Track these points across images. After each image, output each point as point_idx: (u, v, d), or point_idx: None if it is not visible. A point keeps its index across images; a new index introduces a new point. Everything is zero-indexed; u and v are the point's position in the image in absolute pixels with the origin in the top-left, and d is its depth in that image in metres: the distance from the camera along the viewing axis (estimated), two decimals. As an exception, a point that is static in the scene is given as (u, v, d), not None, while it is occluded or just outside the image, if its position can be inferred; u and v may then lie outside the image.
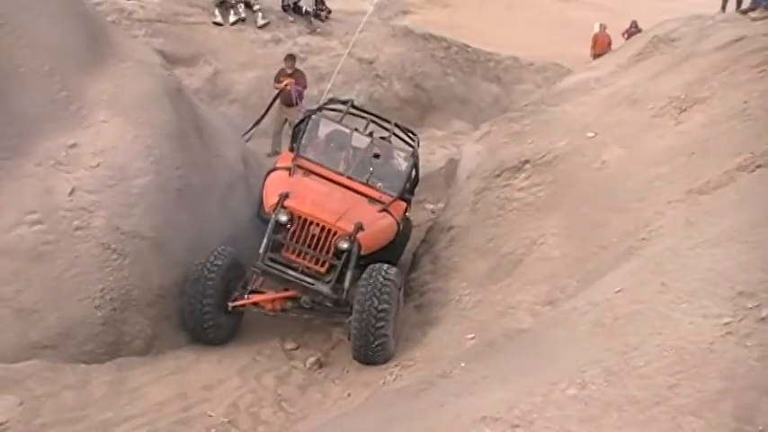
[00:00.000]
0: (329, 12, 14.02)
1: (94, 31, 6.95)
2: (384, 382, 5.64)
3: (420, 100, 14.20)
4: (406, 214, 7.71)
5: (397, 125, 8.38)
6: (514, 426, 3.11)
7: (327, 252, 6.39)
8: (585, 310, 4.13)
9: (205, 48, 11.73)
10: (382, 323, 5.96)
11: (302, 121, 7.88)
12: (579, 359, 3.51)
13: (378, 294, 5.99)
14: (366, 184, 7.21)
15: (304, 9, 13.46)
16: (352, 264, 6.31)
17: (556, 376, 3.41)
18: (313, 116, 7.81)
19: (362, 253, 6.42)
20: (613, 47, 14.59)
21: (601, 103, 8.39)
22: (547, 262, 6.23)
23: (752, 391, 2.82)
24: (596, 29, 16.32)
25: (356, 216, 6.50)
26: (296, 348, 6.59)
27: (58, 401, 4.92)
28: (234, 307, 6.40)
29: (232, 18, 12.43)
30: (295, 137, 7.87)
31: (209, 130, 7.77)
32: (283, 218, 6.36)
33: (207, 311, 6.17)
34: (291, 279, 6.30)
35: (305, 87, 10.75)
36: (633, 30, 15.47)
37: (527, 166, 7.67)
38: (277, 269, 6.31)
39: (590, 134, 7.57)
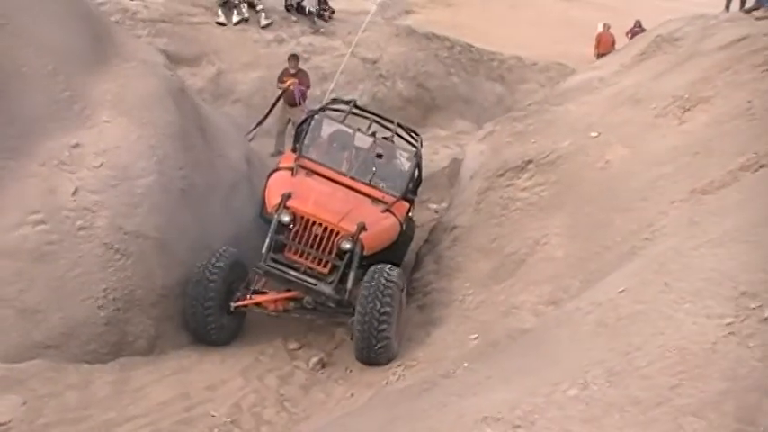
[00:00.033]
0: (332, 11, 14.03)
1: (98, 31, 6.96)
2: (387, 382, 5.64)
3: (423, 100, 14.19)
4: (410, 214, 7.67)
5: (399, 125, 8.34)
6: (516, 426, 3.11)
7: (330, 252, 6.38)
8: (588, 311, 4.12)
9: (208, 48, 11.74)
10: (385, 326, 5.95)
11: (305, 121, 7.85)
12: (582, 359, 3.50)
13: (380, 297, 5.97)
14: (369, 185, 7.18)
15: (307, 9, 13.46)
16: (354, 264, 6.30)
17: (558, 376, 3.41)
18: (316, 116, 7.79)
19: (365, 253, 6.39)
20: (617, 46, 14.59)
21: (604, 103, 8.37)
22: (550, 262, 6.22)
23: (754, 392, 2.82)
24: (600, 28, 16.35)
25: (359, 216, 6.48)
26: (299, 348, 6.59)
27: (62, 401, 4.93)
28: (236, 307, 6.40)
29: (235, 18, 12.43)
30: (298, 137, 7.84)
31: (212, 130, 7.77)
32: (286, 218, 6.34)
33: (209, 314, 6.17)
34: (294, 279, 6.29)
35: (308, 87, 10.73)
36: (637, 29, 15.47)
37: (530, 165, 7.65)
38: (279, 269, 6.29)
39: (593, 134, 7.55)
